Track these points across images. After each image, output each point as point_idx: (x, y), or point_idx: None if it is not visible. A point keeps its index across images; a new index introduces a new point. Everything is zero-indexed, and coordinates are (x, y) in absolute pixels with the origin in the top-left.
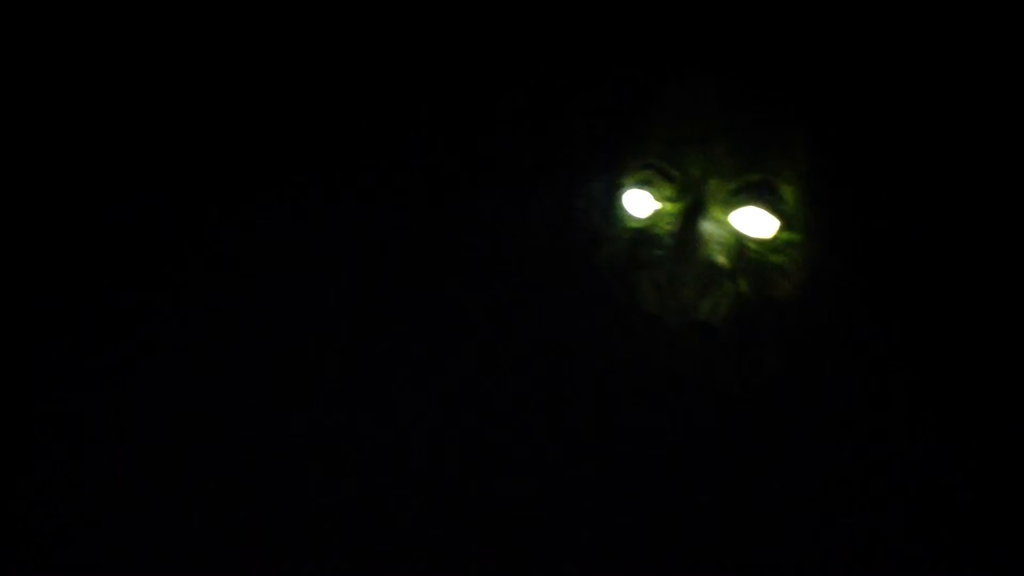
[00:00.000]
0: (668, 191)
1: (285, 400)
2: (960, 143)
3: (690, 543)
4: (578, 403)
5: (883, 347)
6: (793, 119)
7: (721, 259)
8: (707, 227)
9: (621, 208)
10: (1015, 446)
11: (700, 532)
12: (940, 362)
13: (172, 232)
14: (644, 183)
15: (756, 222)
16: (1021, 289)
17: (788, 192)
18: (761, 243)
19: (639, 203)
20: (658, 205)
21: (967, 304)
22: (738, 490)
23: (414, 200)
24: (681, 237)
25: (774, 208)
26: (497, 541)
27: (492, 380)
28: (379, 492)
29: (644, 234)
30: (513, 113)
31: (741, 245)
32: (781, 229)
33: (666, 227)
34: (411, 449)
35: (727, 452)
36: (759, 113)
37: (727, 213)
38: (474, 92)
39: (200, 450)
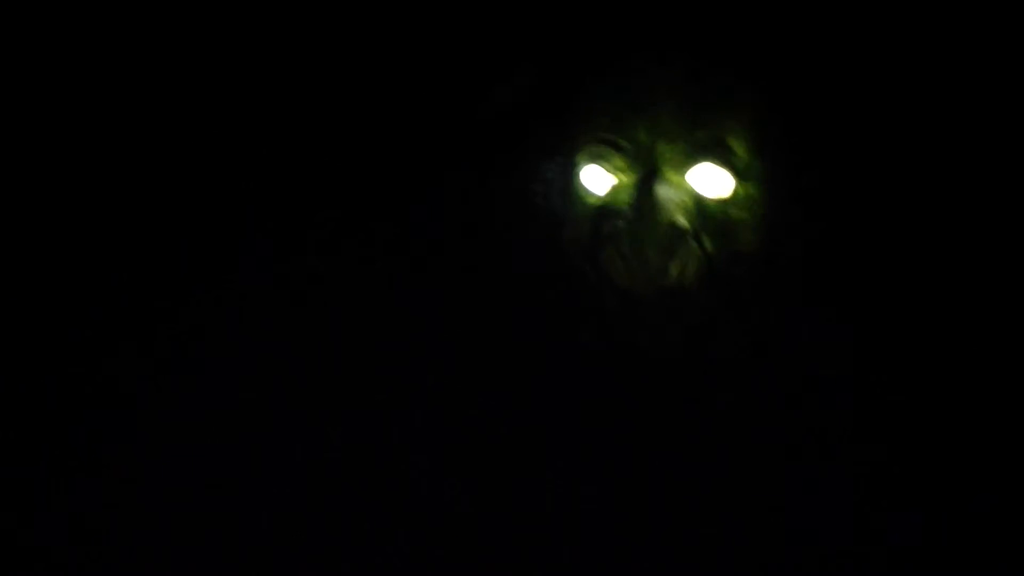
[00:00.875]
0: (621, 162)
1: (286, 404)
2: (901, 88)
3: (677, 520)
4: (561, 384)
5: (850, 290)
6: (734, 73)
7: (682, 220)
8: (664, 191)
9: (578, 186)
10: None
11: (686, 508)
12: (907, 304)
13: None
14: (597, 158)
15: (711, 179)
16: (981, 234)
17: (738, 146)
18: (719, 200)
19: (595, 178)
20: (613, 177)
21: (930, 247)
22: (730, 464)
23: (369, 196)
24: (640, 205)
25: (727, 163)
26: (486, 527)
27: (470, 369)
28: (372, 493)
29: (604, 208)
30: (460, 104)
31: (700, 204)
32: (737, 183)
33: (624, 198)
34: (400, 445)
35: (716, 422)
36: (699, 72)
37: (682, 174)
38: (421, 86)
39: (206, 457)
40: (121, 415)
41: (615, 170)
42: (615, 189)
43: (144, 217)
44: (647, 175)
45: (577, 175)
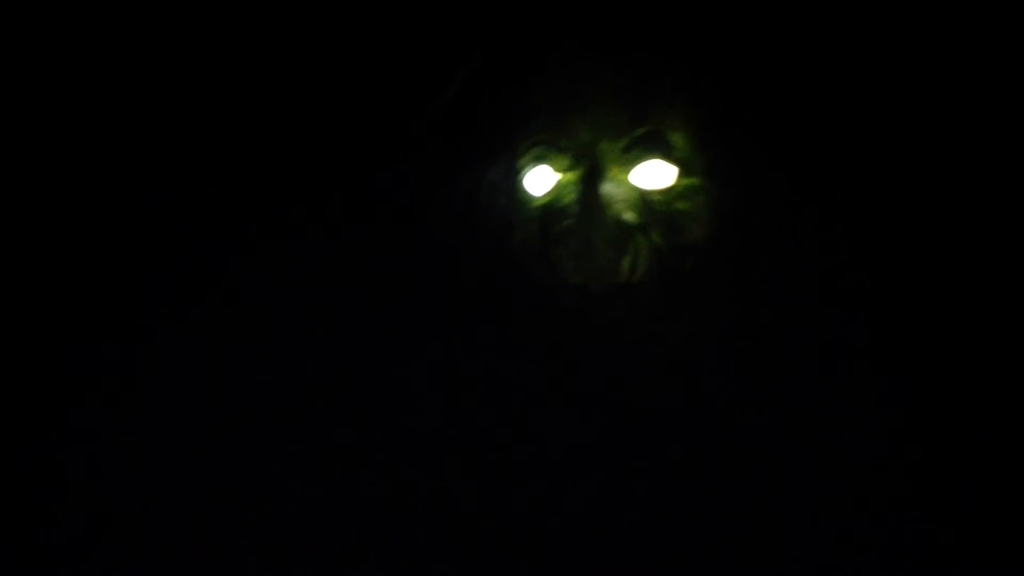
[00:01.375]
0: (564, 162)
1: (284, 408)
2: (832, 76)
3: (644, 514)
4: (527, 385)
5: (796, 275)
6: (671, 68)
7: (629, 216)
8: (608, 188)
9: (523, 189)
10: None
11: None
12: (859, 281)
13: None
14: (539, 159)
15: (655, 174)
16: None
17: (678, 138)
18: (664, 193)
19: (539, 180)
20: (558, 177)
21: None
22: (692, 452)
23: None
24: (586, 203)
25: (668, 156)
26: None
27: (435, 376)
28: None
29: (550, 209)
30: (397, 115)
31: (645, 199)
32: (680, 176)
33: (570, 197)
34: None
35: (678, 410)
36: (636, 68)
37: (625, 171)
38: (356, 97)
39: (198, 456)
40: (115, 414)
41: (560, 170)
42: (560, 189)
43: (118, 214)
44: (590, 173)
45: (522, 178)
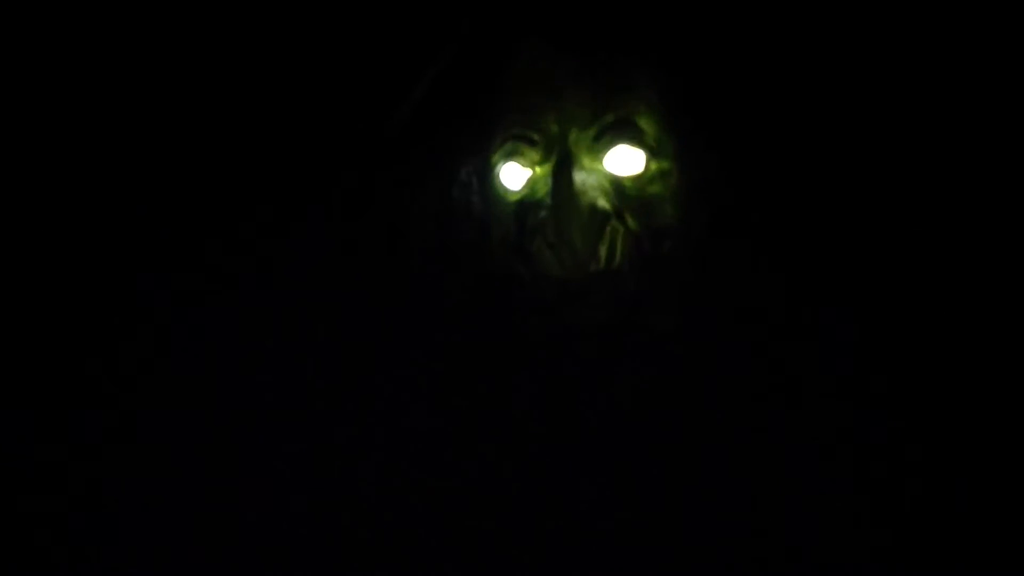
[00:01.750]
0: (536, 155)
1: (277, 405)
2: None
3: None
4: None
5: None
6: (635, 56)
7: (603, 203)
8: (580, 177)
9: (498, 185)
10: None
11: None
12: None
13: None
14: (511, 155)
15: (625, 160)
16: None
17: (647, 124)
18: (635, 178)
19: (513, 175)
20: (530, 171)
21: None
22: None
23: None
24: (559, 193)
25: (638, 142)
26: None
27: (435, 376)
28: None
29: (526, 202)
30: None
31: (617, 185)
32: (649, 160)
33: (543, 189)
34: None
35: (667, 398)
36: (601, 58)
37: (597, 159)
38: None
39: (203, 455)
40: (115, 414)
41: (531, 164)
42: (533, 182)
43: (118, 214)
44: (561, 163)
45: (495, 175)
